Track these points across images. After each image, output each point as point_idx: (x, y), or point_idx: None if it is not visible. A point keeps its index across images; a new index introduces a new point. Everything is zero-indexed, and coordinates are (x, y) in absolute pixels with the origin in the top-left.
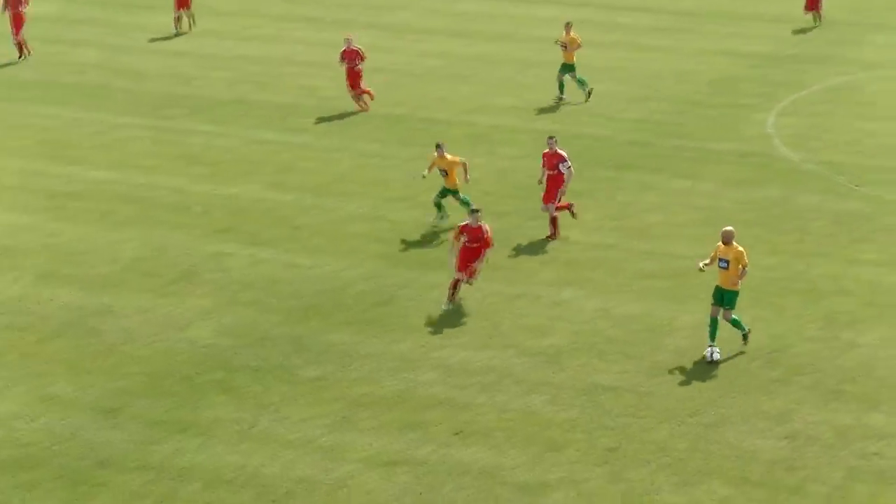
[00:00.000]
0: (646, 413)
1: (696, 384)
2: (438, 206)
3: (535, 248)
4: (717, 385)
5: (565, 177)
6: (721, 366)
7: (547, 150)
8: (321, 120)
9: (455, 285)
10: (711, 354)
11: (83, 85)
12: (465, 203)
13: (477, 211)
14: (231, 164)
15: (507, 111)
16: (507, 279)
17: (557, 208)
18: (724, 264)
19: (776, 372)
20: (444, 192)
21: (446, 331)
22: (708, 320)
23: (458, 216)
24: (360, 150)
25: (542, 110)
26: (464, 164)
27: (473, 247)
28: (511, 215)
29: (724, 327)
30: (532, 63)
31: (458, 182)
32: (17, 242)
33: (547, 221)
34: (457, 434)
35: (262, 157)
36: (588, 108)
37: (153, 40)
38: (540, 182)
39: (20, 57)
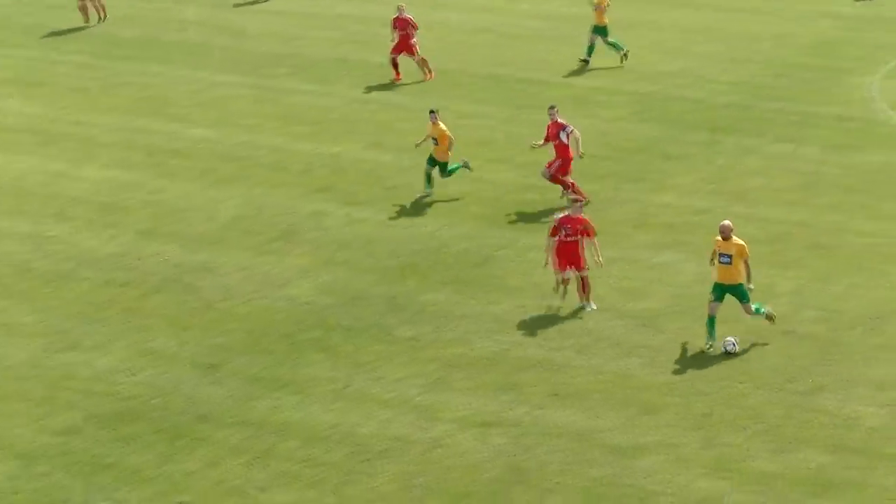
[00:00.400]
0: (743, 378)
1: (793, 351)
2: (428, 177)
3: (633, 211)
4: (815, 352)
5: (570, 144)
6: (820, 333)
7: (550, 122)
8: (421, 80)
9: (565, 284)
10: (729, 346)
11: (183, 43)
12: (451, 173)
13: (578, 201)
14: (331, 123)
15: (607, 73)
16: (604, 242)
17: (553, 177)
18: (727, 259)
19: (877, 339)
20: (433, 162)
21: (543, 293)
22: (706, 318)
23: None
24: (459, 110)
25: (641, 72)
26: (451, 140)
27: (571, 241)
28: (609, 178)
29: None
30: (632, 24)
31: (448, 154)
32: (119, 199)
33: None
34: (552, 396)
35: (362, 117)
36: (684, 70)
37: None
38: (534, 146)
39: (100, 19)
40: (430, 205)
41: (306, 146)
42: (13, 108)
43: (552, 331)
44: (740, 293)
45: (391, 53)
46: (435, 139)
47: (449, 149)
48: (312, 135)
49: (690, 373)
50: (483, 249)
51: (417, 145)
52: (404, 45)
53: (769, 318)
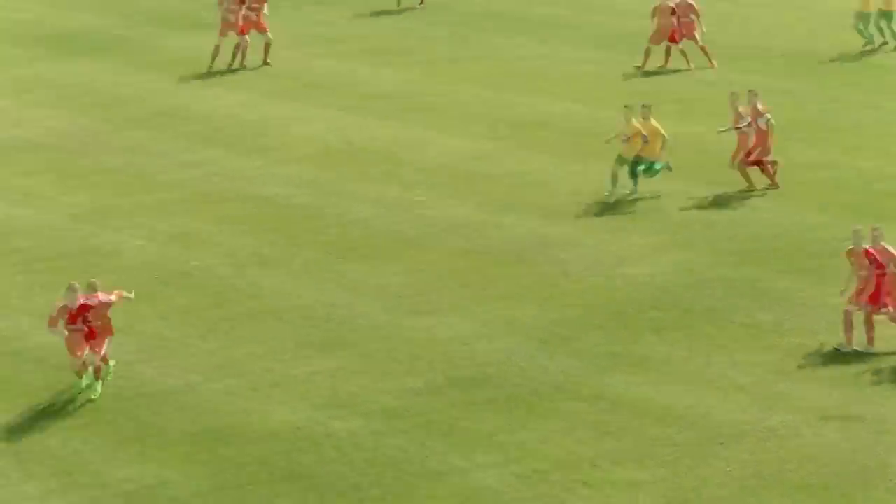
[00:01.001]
0: None
1: None
2: (634, 180)
3: None
4: None
5: (767, 132)
6: None
7: (749, 106)
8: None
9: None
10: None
11: (552, 17)
12: (657, 172)
13: (876, 228)
14: (699, 102)
15: None
16: None
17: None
18: None
19: None
20: (639, 161)
21: None
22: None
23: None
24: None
25: None
26: (664, 139)
27: (880, 273)
28: None
29: None
30: None
31: (658, 151)
32: (483, 168)
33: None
34: None
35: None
36: None
37: None
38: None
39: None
40: (790, 190)
41: (671, 125)
42: (389, 77)
43: None
44: None
45: (676, 41)
46: (645, 136)
47: (662, 147)
48: (677, 113)
49: None
50: (836, 242)
51: (607, 141)
52: (688, 31)
53: None
